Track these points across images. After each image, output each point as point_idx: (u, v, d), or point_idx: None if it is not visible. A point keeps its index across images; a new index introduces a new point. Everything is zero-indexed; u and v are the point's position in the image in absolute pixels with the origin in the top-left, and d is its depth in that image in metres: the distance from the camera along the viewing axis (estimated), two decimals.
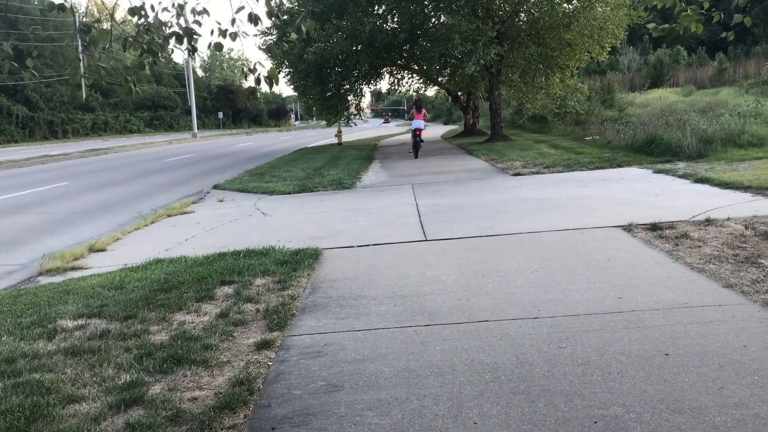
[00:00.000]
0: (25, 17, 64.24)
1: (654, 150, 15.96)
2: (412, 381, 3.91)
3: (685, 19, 5.07)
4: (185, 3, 4.26)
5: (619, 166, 14.48)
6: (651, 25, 5.31)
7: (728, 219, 7.79)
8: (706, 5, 5.04)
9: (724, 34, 5.25)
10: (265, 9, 4.41)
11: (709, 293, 5.16)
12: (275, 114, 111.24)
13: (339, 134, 34.82)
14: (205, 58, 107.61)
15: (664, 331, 4.42)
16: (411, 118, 22.86)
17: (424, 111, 22.03)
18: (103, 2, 4.97)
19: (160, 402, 3.74)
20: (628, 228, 7.70)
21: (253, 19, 4.29)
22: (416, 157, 21.51)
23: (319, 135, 54.76)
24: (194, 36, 4.29)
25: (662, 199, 9.73)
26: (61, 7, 4.10)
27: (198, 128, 64.20)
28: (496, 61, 24.32)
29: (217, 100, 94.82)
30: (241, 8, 4.28)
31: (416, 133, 21.73)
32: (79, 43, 4.40)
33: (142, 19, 4.23)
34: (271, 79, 4.39)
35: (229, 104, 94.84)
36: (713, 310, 4.76)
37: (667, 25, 5.24)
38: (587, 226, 8.06)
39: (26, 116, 60.98)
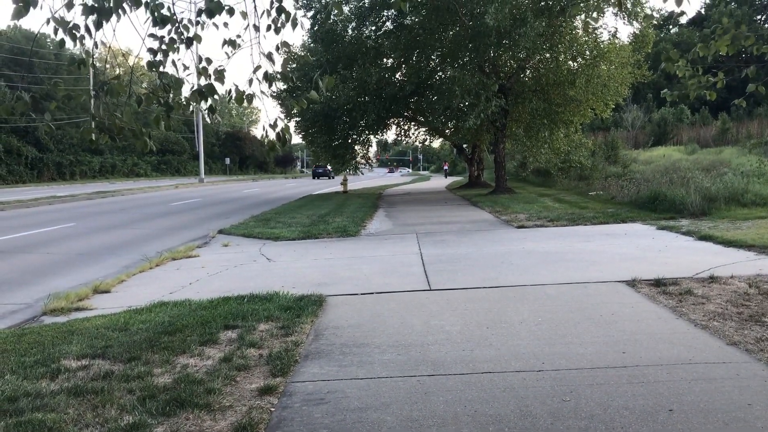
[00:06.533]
0: (40, 61, 65.57)
1: (658, 206, 16.07)
2: (415, 431, 3.89)
3: (699, 89, 5.24)
4: (209, 65, 4.38)
5: (623, 221, 14.55)
6: (665, 92, 5.50)
7: (732, 277, 7.82)
8: (721, 76, 5.21)
9: (736, 101, 5.43)
10: (280, 71, 4.53)
11: (713, 350, 5.16)
12: (281, 161, 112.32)
13: (344, 182, 35.13)
14: (216, 106, 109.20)
15: (668, 386, 4.41)
16: (442, 165, 77.56)
17: (447, 163, 74.51)
18: (122, 53, 5.10)
19: None
20: (632, 283, 7.72)
21: (269, 78, 4.42)
22: (446, 177, 59.20)
23: (324, 183, 55.17)
24: (213, 93, 4.39)
25: (666, 255, 9.77)
26: (82, 62, 4.22)
27: (205, 173, 64.79)
28: (500, 115, 24.70)
29: (225, 146, 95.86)
30: (258, 68, 4.41)
31: (446, 170, 71.86)
32: (92, 98, 4.50)
33: (161, 77, 4.34)
34: (284, 133, 4.48)
35: (236, 150, 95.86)
36: (717, 368, 4.76)
37: (679, 92, 5.43)
38: (591, 280, 8.08)
39: (35, 157, 61.62)
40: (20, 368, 5.20)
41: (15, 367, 5.23)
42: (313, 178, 48.91)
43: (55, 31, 3.91)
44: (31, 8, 3.73)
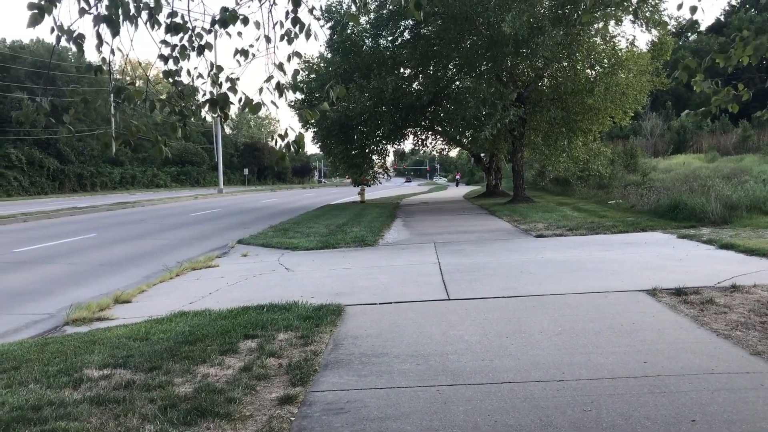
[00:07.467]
0: (62, 74, 66.55)
1: (678, 215, 15.92)
2: None
3: (721, 103, 5.19)
4: (221, 70, 4.42)
5: (643, 230, 14.44)
6: (686, 112, 5.44)
7: (755, 286, 7.72)
8: (742, 88, 5.16)
9: (758, 113, 5.36)
10: (291, 82, 4.54)
11: (736, 360, 5.10)
12: (299, 171, 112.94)
13: (362, 192, 35.19)
14: (233, 117, 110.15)
15: (691, 397, 4.36)
16: (455, 175, 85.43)
17: (459, 173, 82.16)
18: (140, 63, 5.17)
19: None
20: (653, 292, 7.65)
21: (280, 89, 4.44)
22: (457, 186, 70.05)
23: (342, 192, 55.30)
24: (227, 103, 4.41)
25: (687, 264, 9.67)
26: (98, 69, 4.26)
27: (224, 184, 65.27)
28: (518, 124, 24.64)
29: (243, 156, 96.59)
30: (270, 77, 4.43)
31: (457, 179, 78.23)
32: (112, 106, 4.55)
33: (176, 85, 4.37)
34: (298, 143, 4.47)
35: (254, 161, 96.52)
36: (741, 378, 4.70)
37: (703, 109, 5.38)
38: (611, 290, 8.02)
39: (57, 169, 62.51)
40: (43, 377, 5.27)
41: (38, 377, 5.30)
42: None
43: (58, 40, 3.91)
44: (47, 16, 3.76)
